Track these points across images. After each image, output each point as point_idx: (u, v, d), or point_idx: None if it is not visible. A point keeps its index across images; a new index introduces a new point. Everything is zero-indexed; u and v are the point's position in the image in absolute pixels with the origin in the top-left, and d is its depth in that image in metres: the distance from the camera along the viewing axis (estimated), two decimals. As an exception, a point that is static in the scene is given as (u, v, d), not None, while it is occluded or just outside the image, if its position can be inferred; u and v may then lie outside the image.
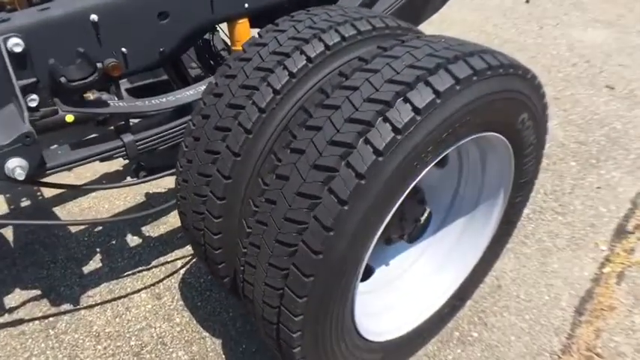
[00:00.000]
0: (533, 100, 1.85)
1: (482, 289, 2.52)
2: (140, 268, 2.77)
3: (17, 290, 2.68)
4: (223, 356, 2.33)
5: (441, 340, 2.34)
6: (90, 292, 2.65)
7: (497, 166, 2.05)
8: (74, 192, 3.19)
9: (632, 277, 2.58)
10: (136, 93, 2.63)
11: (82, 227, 3.03)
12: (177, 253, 2.85)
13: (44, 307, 2.60)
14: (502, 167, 2.04)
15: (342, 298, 1.57)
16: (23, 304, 2.61)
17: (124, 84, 2.58)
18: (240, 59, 1.82)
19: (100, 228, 3.02)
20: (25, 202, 3.22)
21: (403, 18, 2.88)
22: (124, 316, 2.53)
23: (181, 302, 2.58)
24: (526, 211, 2.98)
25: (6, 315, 2.56)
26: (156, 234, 2.98)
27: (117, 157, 2.05)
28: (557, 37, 4.95)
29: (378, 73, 1.52)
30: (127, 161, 2.88)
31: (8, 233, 3.04)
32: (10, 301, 2.63)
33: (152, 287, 2.66)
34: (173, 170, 1.98)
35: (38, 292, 2.67)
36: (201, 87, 2.20)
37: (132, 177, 2.39)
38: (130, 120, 2.17)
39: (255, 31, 2.06)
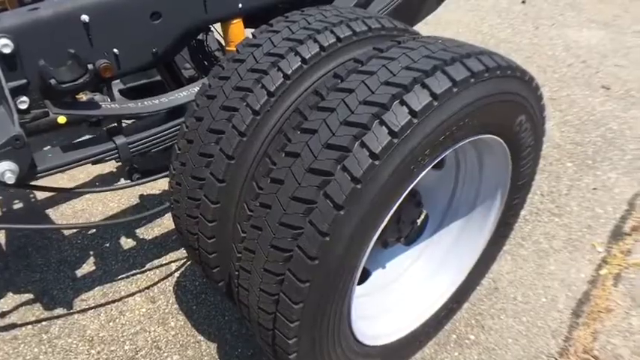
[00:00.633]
0: (530, 102, 1.83)
1: (479, 292, 2.51)
2: (134, 271, 2.74)
3: (10, 294, 2.65)
4: (218, 360, 2.31)
5: (438, 342, 2.32)
6: (83, 296, 2.62)
7: (495, 168, 2.04)
8: (67, 194, 3.15)
9: (629, 278, 2.57)
10: (130, 94, 2.60)
11: (76, 230, 3.00)
12: (172, 255, 2.82)
13: (37, 311, 2.57)
14: (499, 169, 2.03)
15: (338, 303, 1.55)
16: (16, 308, 2.58)
17: (117, 85, 2.55)
18: (233, 60, 1.80)
19: (94, 230, 2.98)
20: (18, 205, 3.19)
21: (399, 18, 2.86)
22: (117, 320, 2.49)
23: (176, 306, 2.55)
24: (523, 212, 2.95)
25: (-2, 319, 2.54)
26: (150, 236, 2.95)
27: (109, 160, 2.02)
28: (553, 37, 4.94)
29: (374, 75, 1.50)
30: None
31: (1, 236, 3.01)
32: (3, 305, 2.60)
33: (146, 290, 2.63)
34: (167, 172, 1.95)
35: (31, 295, 2.64)
36: (195, 88, 2.18)
37: (125, 179, 2.35)
38: (123, 121, 2.15)
39: (248, 32, 2.04)
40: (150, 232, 2.98)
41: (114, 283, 2.68)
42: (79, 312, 2.54)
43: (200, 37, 2.68)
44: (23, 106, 1.82)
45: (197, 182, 1.70)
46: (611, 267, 2.65)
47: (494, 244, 2.27)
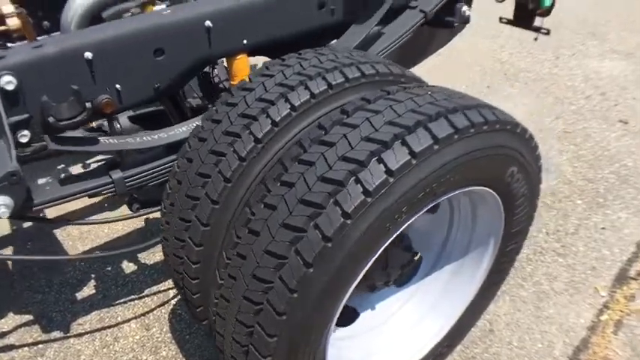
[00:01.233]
0: (522, 154, 1.80)
1: (473, 333, 2.47)
2: (132, 297, 2.77)
3: (11, 314, 2.71)
4: (207, 392, 2.33)
5: (427, 386, 2.30)
6: (80, 320, 2.66)
7: (488, 216, 2.01)
8: (75, 214, 3.21)
9: (631, 326, 2.51)
10: (139, 121, 2.64)
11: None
12: (170, 282, 2.84)
13: (35, 333, 2.61)
14: (492, 218, 2.00)
15: (310, 356, 1.55)
16: (15, 329, 2.63)
17: (127, 112, 2.59)
18: (227, 104, 1.82)
19: (97, 252, 3.04)
20: (27, 224, 3.26)
21: (407, 54, 2.86)
22: (111, 346, 2.53)
23: (169, 334, 2.57)
24: (526, 251, 2.93)
25: (-2, 340, 2.60)
26: (151, 261, 2.99)
27: (105, 194, 2.06)
28: (573, 67, 4.87)
29: (357, 128, 1.49)
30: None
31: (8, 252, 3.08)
32: (3, 325, 2.66)
33: (142, 317, 2.66)
34: (163, 207, 1.98)
35: (30, 317, 2.69)
36: (195, 124, 2.20)
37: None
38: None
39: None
40: (151, 257, 3.02)
41: (111, 308, 2.72)
42: (75, 336, 2.59)
43: (207, 68, 2.71)
44: (24, 140, 1.86)
45: (184, 224, 1.72)
46: (612, 313, 2.59)
47: (488, 289, 2.24)
